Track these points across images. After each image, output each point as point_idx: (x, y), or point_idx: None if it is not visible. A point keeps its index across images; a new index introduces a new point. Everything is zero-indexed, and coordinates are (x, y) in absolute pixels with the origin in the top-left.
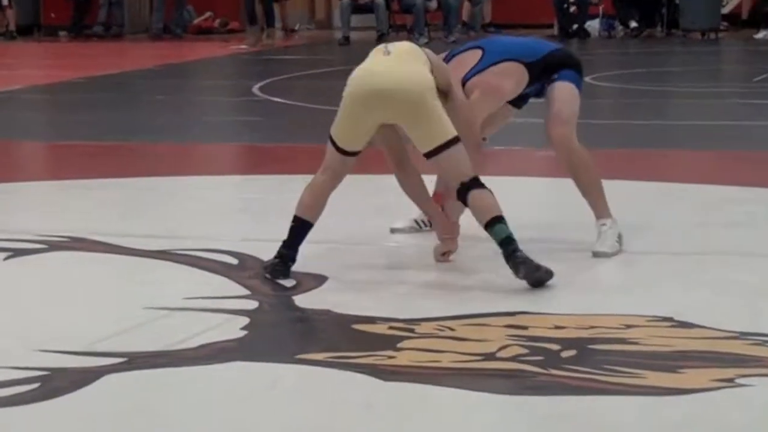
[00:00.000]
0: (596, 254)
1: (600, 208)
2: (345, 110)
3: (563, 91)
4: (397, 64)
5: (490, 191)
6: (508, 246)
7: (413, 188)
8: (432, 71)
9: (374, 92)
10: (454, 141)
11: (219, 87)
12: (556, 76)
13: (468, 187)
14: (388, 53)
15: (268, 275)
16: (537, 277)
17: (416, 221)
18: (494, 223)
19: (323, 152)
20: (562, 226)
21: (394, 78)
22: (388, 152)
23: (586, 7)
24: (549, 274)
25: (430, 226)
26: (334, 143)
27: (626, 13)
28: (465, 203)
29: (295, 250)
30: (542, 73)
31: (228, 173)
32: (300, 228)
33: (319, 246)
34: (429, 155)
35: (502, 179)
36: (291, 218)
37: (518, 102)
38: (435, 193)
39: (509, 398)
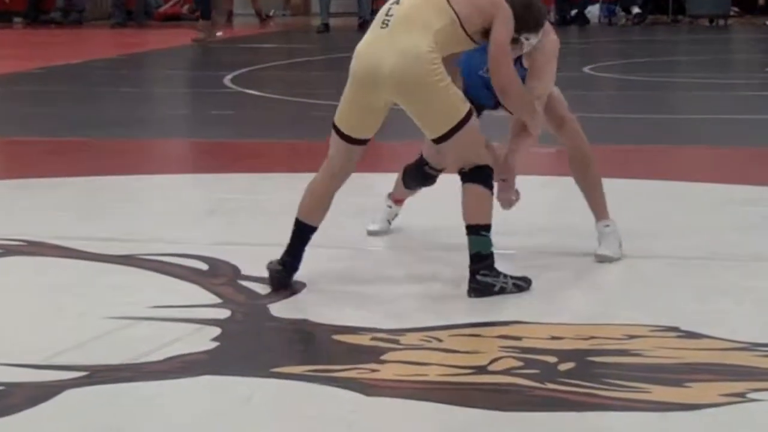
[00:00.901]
0: (600, 258)
1: (601, 208)
2: (347, 91)
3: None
4: (393, 40)
5: (488, 189)
6: (476, 263)
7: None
8: (457, 15)
9: (369, 73)
10: (464, 122)
11: (188, 78)
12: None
13: (467, 178)
14: (386, 25)
15: (269, 282)
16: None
17: (388, 221)
18: (475, 232)
19: (301, 148)
20: (559, 228)
21: (387, 58)
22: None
23: None
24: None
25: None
26: (337, 130)
27: None
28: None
29: (298, 257)
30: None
31: (197, 171)
32: (301, 233)
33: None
34: (438, 141)
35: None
36: (265, 220)
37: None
38: (394, 198)
39: (502, 415)
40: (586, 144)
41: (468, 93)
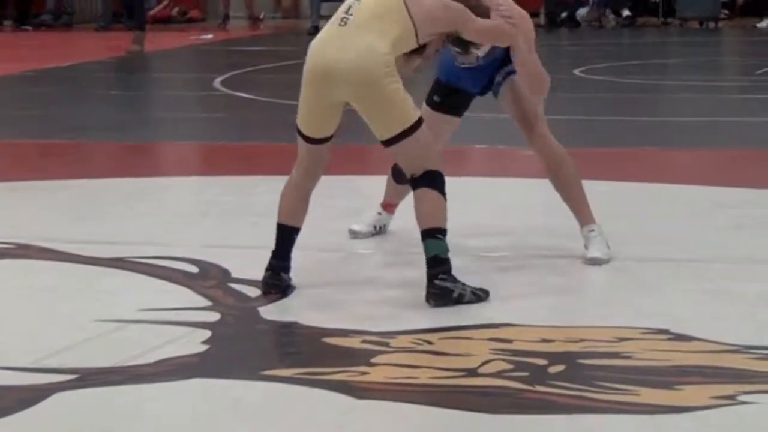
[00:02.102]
0: (591, 261)
1: (585, 213)
2: (303, 91)
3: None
4: (350, 38)
5: (442, 194)
6: (434, 267)
7: None
8: (414, 25)
9: (324, 71)
10: (415, 127)
11: (178, 80)
12: (510, 68)
13: (418, 183)
14: (344, 23)
15: (262, 289)
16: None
17: (374, 226)
18: (431, 235)
19: (291, 151)
20: (548, 231)
21: (344, 57)
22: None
23: None
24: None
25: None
26: (300, 132)
27: (618, 1)
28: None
29: (286, 260)
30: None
31: (187, 174)
32: (286, 236)
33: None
34: (387, 144)
35: (485, 180)
36: (255, 222)
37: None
38: (386, 203)
39: (492, 417)
40: (557, 153)
41: (453, 83)
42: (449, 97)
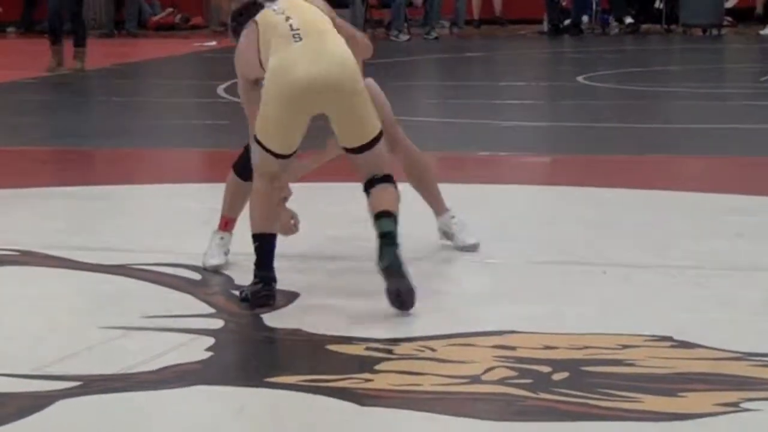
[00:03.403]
0: (466, 247)
1: (441, 202)
2: (274, 112)
3: (374, 88)
4: (319, 51)
5: (397, 190)
6: (387, 238)
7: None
8: (335, 26)
9: (309, 86)
10: (381, 134)
11: (181, 87)
12: None
13: (379, 181)
14: (298, 38)
15: (253, 304)
16: (404, 286)
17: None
18: (388, 215)
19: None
20: (550, 238)
21: (327, 69)
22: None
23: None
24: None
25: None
26: (264, 147)
27: (621, 8)
28: (368, 194)
29: (272, 269)
30: None
31: (191, 181)
32: (266, 245)
33: (289, 260)
34: (360, 149)
35: (486, 187)
36: None
37: None
38: (224, 218)
39: (495, 424)
40: (420, 154)
41: None
42: None
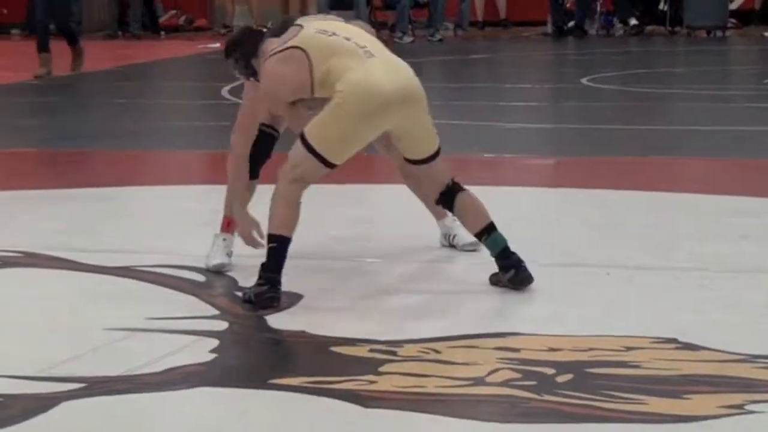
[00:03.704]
0: (468, 245)
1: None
2: (349, 125)
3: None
4: (391, 65)
5: (474, 194)
6: (512, 256)
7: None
8: None
9: (392, 101)
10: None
11: (185, 89)
12: None
13: (456, 189)
14: (371, 54)
15: (258, 305)
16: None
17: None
18: (491, 231)
19: None
20: (554, 240)
21: (403, 77)
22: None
23: (587, 2)
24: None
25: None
26: (321, 158)
27: (626, 9)
28: (449, 207)
29: (281, 273)
30: None
31: (195, 183)
32: (281, 248)
33: (293, 262)
34: (427, 160)
35: (490, 189)
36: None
37: None
38: (226, 219)
39: (499, 426)
40: None
41: None
42: None
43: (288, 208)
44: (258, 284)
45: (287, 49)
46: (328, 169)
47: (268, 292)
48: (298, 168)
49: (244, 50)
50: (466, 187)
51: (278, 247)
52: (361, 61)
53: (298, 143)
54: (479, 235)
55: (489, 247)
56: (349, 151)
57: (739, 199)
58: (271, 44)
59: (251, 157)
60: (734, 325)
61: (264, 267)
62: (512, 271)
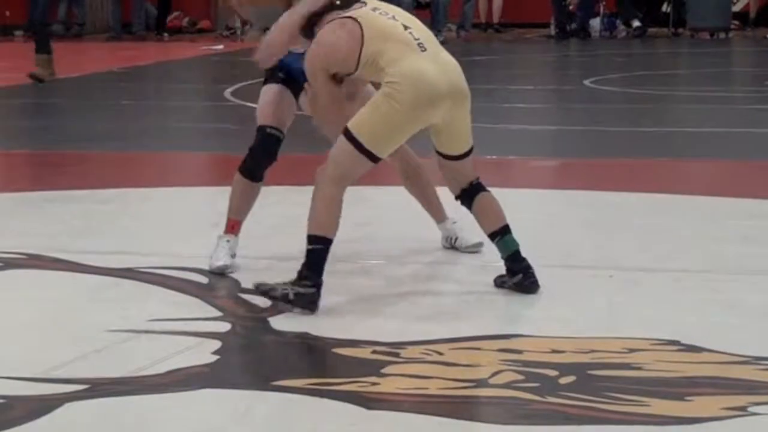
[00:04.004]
0: (470, 247)
1: (441, 210)
2: (400, 117)
3: (373, 92)
4: (442, 60)
5: (493, 195)
6: (522, 261)
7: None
8: None
9: (444, 96)
10: None
11: (188, 91)
12: None
13: (478, 188)
14: (424, 48)
15: (300, 306)
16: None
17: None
18: (504, 233)
19: (300, 161)
20: (557, 242)
21: (453, 73)
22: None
23: (590, 3)
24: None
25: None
26: (368, 153)
27: (629, 11)
28: (468, 205)
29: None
30: None
31: (198, 184)
32: (325, 250)
33: (296, 263)
34: (462, 156)
35: (492, 191)
36: (266, 233)
37: None
38: (230, 221)
39: (502, 428)
40: (414, 156)
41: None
42: (289, 78)
43: (330, 209)
44: (303, 285)
45: (342, 18)
46: (372, 164)
47: (313, 296)
48: (341, 166)
49: (312, 20)
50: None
51: (322, 249)
52: (415, 52)
53: (342, 140)
54: (493, 236)
55: (500, 248)
56: (395, 144)
57: (742, 201)
58: (332, 16)
59: (255, 160)
60: (737, 327)
61: (307, 267)
62: (519, 276)
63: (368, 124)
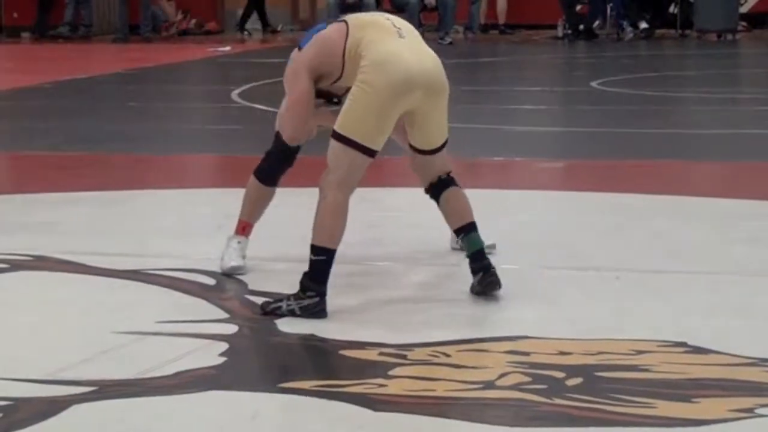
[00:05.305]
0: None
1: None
2: (378, 102)
3: None
4: (418, 48)
5: (463, 192)
6: (483, 260)
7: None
8: None
9: (415, 79)
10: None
11: (195, 92)
12: None
13: (447, 182)
14: (402, 36)
15: (307, 317)
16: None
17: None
18: (469, 231)
19: (307, 163)
20: (565, 243)
21: (427, 61)
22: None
23: (599, 4)
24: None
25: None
26: (359, 146)
27: (636, 13)
28: (436, 199)
29: (327, 285)
30: None
31: (204, 186)
32: (331, 259)
33: (302, 265)
34: (436, 150)
35: (498, 192)
36: (272, 235)
37: None
38: (242, 223)
39: (510, 430)
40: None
41: None
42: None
43: (336, 218)
44: (308, 296)
45: (338, 22)
46: (369, 159)
47: (319, 305)
48: (339, 169)
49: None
50: (458, 185)
51: (326, 259)
52: (392, 38)
53: (334, 144)
54: (458, 232)
55: (465, 246)
56: (383, 131)
57: (749, 202)
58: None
59: (272, 165)
60: (744, 329)
61: (310, 278)
62: (480, 275)
63: (352, 118)
